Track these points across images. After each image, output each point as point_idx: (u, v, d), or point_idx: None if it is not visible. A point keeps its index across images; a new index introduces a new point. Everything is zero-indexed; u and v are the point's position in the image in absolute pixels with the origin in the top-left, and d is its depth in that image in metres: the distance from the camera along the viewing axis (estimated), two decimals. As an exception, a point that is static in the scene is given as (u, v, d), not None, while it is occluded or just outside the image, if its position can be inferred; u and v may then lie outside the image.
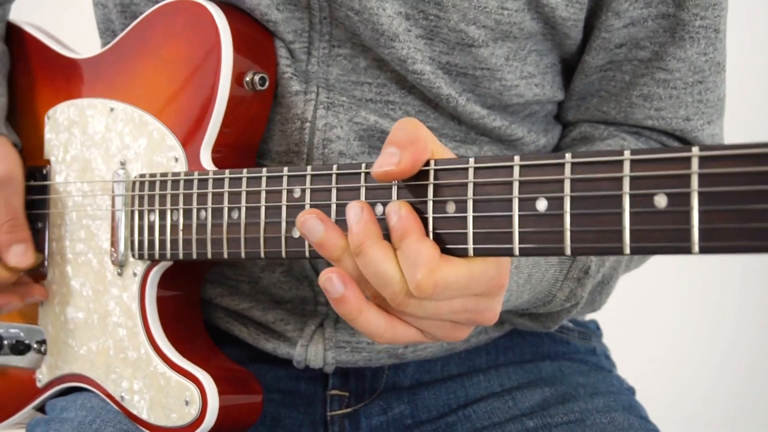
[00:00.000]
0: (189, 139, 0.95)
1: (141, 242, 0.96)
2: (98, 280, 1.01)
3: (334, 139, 0.96)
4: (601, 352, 1.15)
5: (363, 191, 0.78)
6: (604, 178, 0.66)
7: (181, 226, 0.92)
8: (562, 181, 0.68)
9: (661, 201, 0.63)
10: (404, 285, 0.72)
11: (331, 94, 0.96)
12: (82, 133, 1.05)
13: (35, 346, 1.08)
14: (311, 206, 0.81)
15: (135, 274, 0.97)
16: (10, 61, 1.13)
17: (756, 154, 0.60)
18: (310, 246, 0.82)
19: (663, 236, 0.63)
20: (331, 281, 0.74)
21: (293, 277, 1.01)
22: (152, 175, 0.96)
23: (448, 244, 0.74)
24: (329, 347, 1.01)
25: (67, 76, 1.09)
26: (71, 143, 1.06)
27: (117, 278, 0.99)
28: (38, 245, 1.08)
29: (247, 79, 0.94)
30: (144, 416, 0.96)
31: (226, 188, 0.89)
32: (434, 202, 0.74)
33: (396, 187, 0.76)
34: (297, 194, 0.83)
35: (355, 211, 0.75)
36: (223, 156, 0.95)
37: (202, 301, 1.05)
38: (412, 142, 0.73)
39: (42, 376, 1.07)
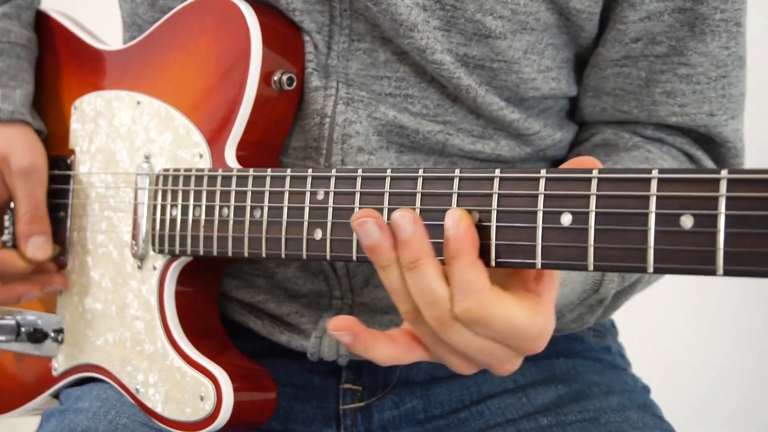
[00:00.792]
0: (214, 136, 0.95)
1: (162, 236, 0.96)
2: (118, 271, 1.02)
3: (353, 134, 0.96)
4: (616, 351, 1.15)
5: (387, 197, 0.78)
6: (630, 196, 0.66)
7: (202, 223, 0.93)
8: (588, 197, 0.68)
9: (687, 222, 0.63)
10: (451, 306, 0.72)
11: (351, 89, 0.96)
12: (108, 125, 1.05)
13: (52, 334, 1.08)
14: (334, 210, 0.82)
15: (155, 268, 0.98)
16: (38, 50, 1.14)
17: (785, 179, 0.60)
18: (331, 249, 0.82)
19: (687, 257, 0.63)
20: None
21: (308, 272, 1.01)
22: (176, 170, 0.96)
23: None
24: None
25: (95, 67, 1.09)
26: (97, 134, 1.06)
27: (137, 271, 1.00)
28: (59, 235, 1.08)
29: (275, 78, 0.94)
30: (158, 410, 0.97)
31: (250, 187, 0.89)
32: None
33: (420, 194, 0.76)
34: (320, 196, 0.83)
35: (407, 221, 0.73)
36: (247, 154, 0.95)
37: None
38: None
39: (58, 365, 1.08)
